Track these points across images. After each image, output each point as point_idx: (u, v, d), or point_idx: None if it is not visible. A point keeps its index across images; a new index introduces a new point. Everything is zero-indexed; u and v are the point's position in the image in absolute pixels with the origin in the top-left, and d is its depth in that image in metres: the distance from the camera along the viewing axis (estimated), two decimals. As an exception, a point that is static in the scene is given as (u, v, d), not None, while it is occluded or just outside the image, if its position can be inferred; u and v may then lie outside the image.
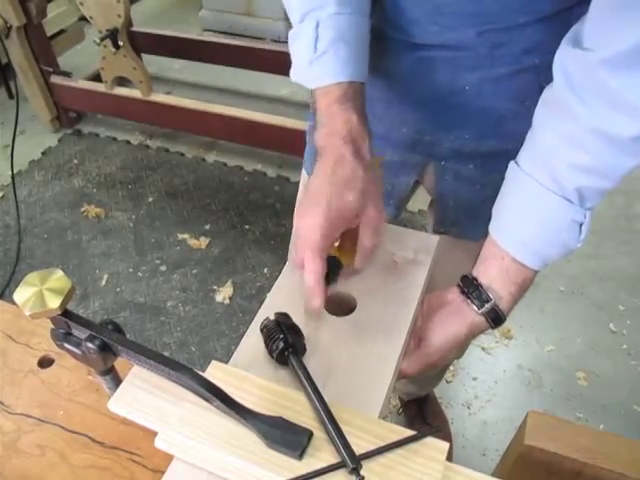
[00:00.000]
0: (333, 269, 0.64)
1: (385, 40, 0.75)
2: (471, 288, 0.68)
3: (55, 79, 2.53)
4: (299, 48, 0.67)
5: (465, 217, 0.88)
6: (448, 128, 0.79)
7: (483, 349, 1.81)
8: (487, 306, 0.66)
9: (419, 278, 0.69)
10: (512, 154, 0.67)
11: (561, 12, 0.65)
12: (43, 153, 2.59)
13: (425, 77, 0.75)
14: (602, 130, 0.57)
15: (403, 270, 0.70)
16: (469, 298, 0.67)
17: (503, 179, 0.69)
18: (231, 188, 2.35)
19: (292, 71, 0.69)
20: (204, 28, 3.51)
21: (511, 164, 0.67)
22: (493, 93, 0.74)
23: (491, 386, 1.73)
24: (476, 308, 0.67)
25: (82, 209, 2.29)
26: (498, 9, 0.66)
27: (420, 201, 1.28)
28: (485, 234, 0.70)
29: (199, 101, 2.38)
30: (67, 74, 2.52)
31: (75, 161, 2.55)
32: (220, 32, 3.44)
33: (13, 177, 2.28)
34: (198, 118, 2.37)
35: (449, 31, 0.70)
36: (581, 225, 0.63)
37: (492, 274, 0.67)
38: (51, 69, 2.51)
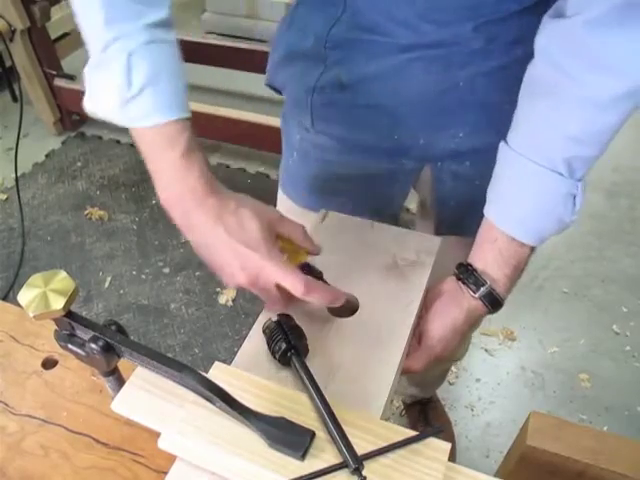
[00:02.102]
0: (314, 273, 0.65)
1: (367, 44, 0.73)
2: (466, 274, 0.69)
3: (59, 82, 2.54)
4: (104, 83, 0.57)
5: (468, 215, 0.86)
6: (443, 128, 0.78)
7: (486, 351, 1.81)
8: (483, 290, 0.67)
9: (421, 279, 0.69)
10: None
11: (543, 1, 0.65)
12: (47, 156, 2.60)
13: (416, 78, 0.73)
14: (586, 97, 0.58)
15: (405, 271, 0.70)
16: (465, 284, 0.68)
17: None
18: (234, 190, 2.35)
19: (91, 105, 0.59)
20: (206, 31, 3.52)
21: (501, 145, 0.68)
22: (486, 87, 0.73)
23: (494, 388, 1.73)
24: (472, 292, 0.68)
25: (85, 212, 2.30)
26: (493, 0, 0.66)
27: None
28: None
29: (201, 103, 2.38)
30: (71, 77, 2.53)
31: (78, 164, 2.56)
32: (223, 35, 3.45)
33: (17, 180, 2.28)
34: (201, 120, 2.37)
35: (445, 27, 0.68)
36: (574, 197, 0.64)
37: (486, 258, 0.68)
38: (55, 72, 2.51)
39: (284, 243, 0.63)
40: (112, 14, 0.54)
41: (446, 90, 0.74)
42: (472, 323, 0.70)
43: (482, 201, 0.71)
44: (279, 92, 0.90)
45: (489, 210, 0.69)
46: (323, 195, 0.91)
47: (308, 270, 0.64)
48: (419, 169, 0.85)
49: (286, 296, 0.61)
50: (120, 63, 0.54)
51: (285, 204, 0.97)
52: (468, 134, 0.78)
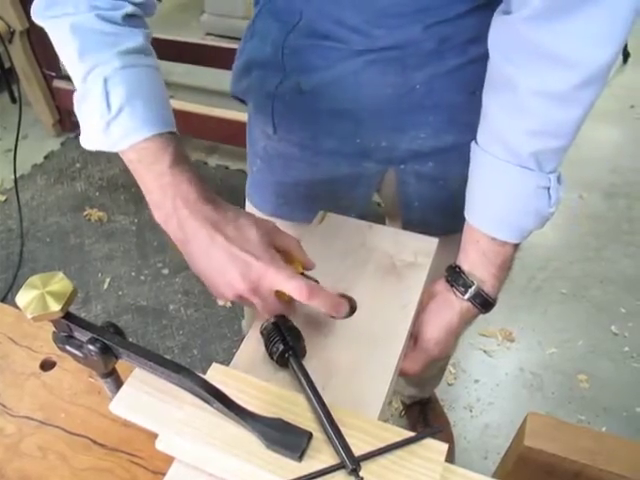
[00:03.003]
0: None
1: (323, 50, 0.73)
2: (454, 276, 0.69)
3: (58, 83, 2.54)
4: (88, 111, 0.58)
5: (434, 214, 0.88)
6: (404, 130, 0.78)
7: (485, 352, 1.81)
8: (471, 291, 0.68)
9: (418, 280, 0.70)
10: (469, 145, 0.68)
11: None
12: (46, 157, 2.60)
13: (373, 81, 0.73)
14: (541, 90, 0.59)
15: (403, 273, 0.70)
16: (453, 286, 0.69)
17: (465, 171, 0.70)
18: (233, 191, 2.35)
19: (84, 138, 0.60)
20: (206, 32, 3.52)
21: (472, 144, 0.68)
22: (444, 88, 0.74)
23: (493, 389, 1.73)
24: (461, 294, 0.68)
25: (84, 213, 2.30)
26: (440, 2, 0.67)
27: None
28: (462, 225, 0.71)
29: (201, 105, 2.39)
30: (70, 78, 2.53)
31: (77, 165, 2.56)
32: (221, 36, 3.45)
33: (16, 181, 2.28)
34: (200, 122, 2.37)
35: (395, 30, 0.69)
36: (548, 189, 0.64)
37: (472, 259, 0.69)
38: (54, 73, 2.52)
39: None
40: (85, 46, 0.58)
41: (404, 93, 0.74)
42: (466, 323, 0.70)
43: (448, 201, 0.72)
44: (243, 102, 0.91)
45: (467, 212, 0.70)
46: (289, 202, 0.92)
47: None
48: (383, 172, 0.86)
49: (284, 304, 0.60)
50: (98, 89, 0.56)
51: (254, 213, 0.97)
52: (429, 135, 0.78)
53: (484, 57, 0.65)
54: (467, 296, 0.68)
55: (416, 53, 0.71)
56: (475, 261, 0.68)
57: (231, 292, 0.58)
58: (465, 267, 0.69)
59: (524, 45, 0.58)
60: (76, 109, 0.60)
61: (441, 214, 0.72)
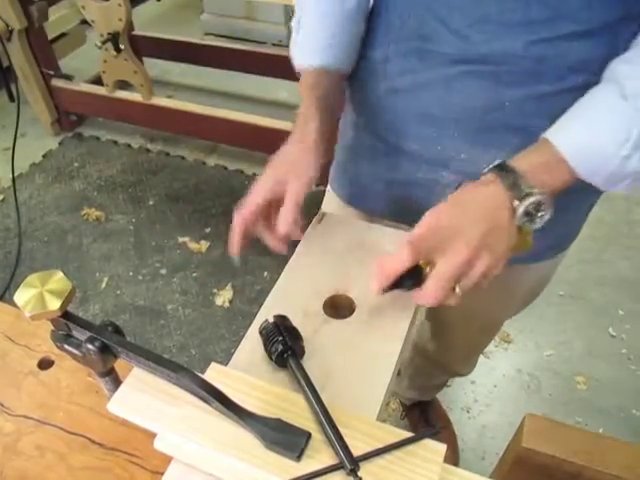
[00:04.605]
0: (410, 276, 0.62)
1: (422, 53, 0.73)
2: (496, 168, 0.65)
3: (56, 82, 2.54)
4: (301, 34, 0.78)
5: None
6: (485, 147, 0.76)
7: (482, 353, 1.81)
8: (506, 174, 0.63)
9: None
10: None
11: (605, 28, 0.64)
12: (44, 156, 2.60)
13: (463, 92, 0.72)
14: None
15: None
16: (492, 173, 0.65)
17: None
18: (232, 192, 2.36)
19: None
20: (205, 32, 3.52)
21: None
22: (536, 112, 0.71)
23: (490, 390, 1.73)
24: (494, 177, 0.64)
25: (82, 212, 2.30)
26: (546, 16, 0.65)
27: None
28: (526, 257, 0.72)
29: (200, 105, 2.39)
30: (68, 77, 2.53)
31: (76, 164, 2.55)
32: (221, 36, 3.46)
33: (14, 180, 2.28)
34: (199, 122, 2.38)
35: (495, 40, 0.67)
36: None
37: (529, 161, 0.64)
38: (52, 72, 2.51)
39: None
40: None
41: (491, 108, 0.72)
42: (473, 209, 0.64)
43: None
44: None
45: (556, 133, 0.65)
46: (366, 196, 0.94)
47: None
48: (457, 185, 0.83)
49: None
50: (297, 13, 0.81)
51: (333, 200, 1.02)
52: (510, 157, 0.72)
53: (581, 88, 0.64)
54: (495, 173, 0.63)
55: (511, 70, 0.68)
56: (533, 165, 0.64)
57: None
58: (516, 164, 0.64)
59: None
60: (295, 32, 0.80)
61: None
